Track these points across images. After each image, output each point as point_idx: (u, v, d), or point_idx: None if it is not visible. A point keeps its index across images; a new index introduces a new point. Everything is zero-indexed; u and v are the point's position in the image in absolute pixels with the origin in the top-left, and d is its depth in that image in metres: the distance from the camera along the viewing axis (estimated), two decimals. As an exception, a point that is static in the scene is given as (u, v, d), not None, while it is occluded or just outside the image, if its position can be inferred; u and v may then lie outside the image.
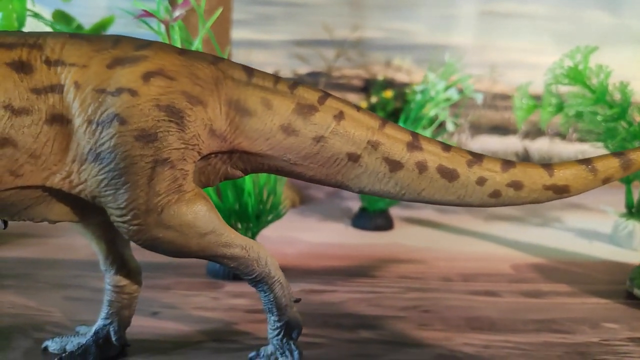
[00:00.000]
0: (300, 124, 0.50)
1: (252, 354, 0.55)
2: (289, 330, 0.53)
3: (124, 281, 0.56)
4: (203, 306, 0.71)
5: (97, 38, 0.49)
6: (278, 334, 0.52)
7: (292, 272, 0.85)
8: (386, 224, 1.13)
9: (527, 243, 1.08)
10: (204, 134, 0.48)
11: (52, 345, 0.57)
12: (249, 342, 0.61)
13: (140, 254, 0.92)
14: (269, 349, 0.54)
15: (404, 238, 1.08)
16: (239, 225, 0.83)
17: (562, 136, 1.75)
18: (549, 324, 0.68)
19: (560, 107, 1.11)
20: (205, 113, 0.48)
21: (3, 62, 0.45)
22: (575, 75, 0.91)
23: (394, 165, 0.51)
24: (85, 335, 0.57)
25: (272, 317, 0.52)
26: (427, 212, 1.31)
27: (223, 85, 0.50)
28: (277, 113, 0.50)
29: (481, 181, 0.53)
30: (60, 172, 0.46)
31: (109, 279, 0.56)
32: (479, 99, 1.11)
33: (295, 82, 0.52)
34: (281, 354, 0.52)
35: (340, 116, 0.51)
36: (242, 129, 0.50)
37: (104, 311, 0.56)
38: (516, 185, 0.54)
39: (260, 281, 0.51)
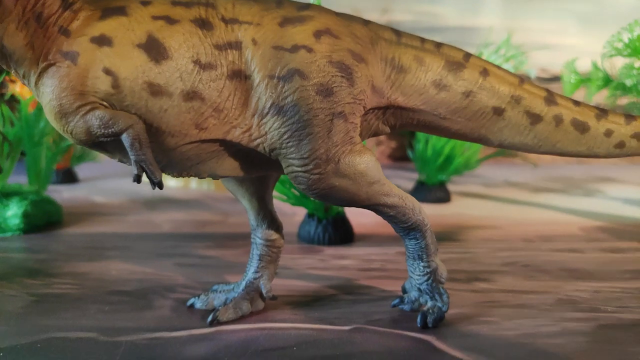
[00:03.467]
0: (451, 80, 0.54)
1: (396, 301, 0.58)
2: (438, 274, 0.56)
3: (274, 235, 0.59)
4: (315, 267, 0.74)
5: (259, -2, 0.52)
6: (428, 279, 0.56)
7: (380, 238, 0.89)
8: (445, 197, 1.17)
9: (582, 210, 1.13)
10: (368, 89, 0.51)
11: (198, 302, 0.60)
12: (378, 294, 0.64)
13: (218, 227, 0.95)
14: (413, 295, 0.57)
15: (466, 209, 1.12)
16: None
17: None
18: (642, 273, 0.73)
19: (606, 81, 1.16)
20: (368, 70, 0.51)
21: (187, 19, 0.48)
22: (636, 47, 0.96)
23: (535, 119, 0.55)
24: (229, 291, 0.60)
25: (422, 264, 0.56)
26: (476, 187, 1.36)
27: (378, 44, 0.53)
28: (429, 69, 0.53)
29: (608, 133, 0.57)
30: (240, 126, 0.49)
31: (261, 234, 0.58)
32: (533, 74, 1.15)
33: (439, 43, 0.56)
34: (431, 297, 0.56)
35: (485, 72, 0.54)
36: (397, 85, 0.53)
37: (253, 265, 0.59)
38: (638, 137, 0.58)
39: (414, 229, 0.54)
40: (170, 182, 1.35)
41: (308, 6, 0.52)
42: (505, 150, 1.32)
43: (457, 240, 0.88)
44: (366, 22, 0.54)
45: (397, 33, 0.55)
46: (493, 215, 1.07)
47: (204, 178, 0.53)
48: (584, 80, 1.21)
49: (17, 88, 1.17)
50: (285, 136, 0.48)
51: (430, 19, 1.74)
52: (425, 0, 1.74)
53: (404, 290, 0.60)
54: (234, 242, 0.87)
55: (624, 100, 1.14)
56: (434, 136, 1.15)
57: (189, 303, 0.60)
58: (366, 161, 0.50)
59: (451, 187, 1.29)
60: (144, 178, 1.38)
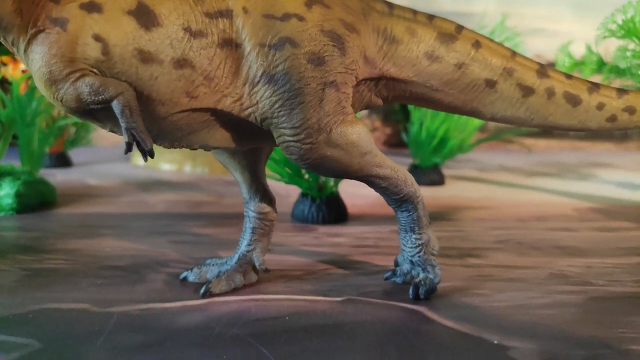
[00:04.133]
0: (443, 51, 0.53)
1: (388, 273, 0.59)
2: (430, 246, 0.56)
3: (267, 208, 0.58)
4: (308, 243, 0.74)
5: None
6: (419, 251, 0.56)
7: (373, 218, 0.89)
8: (439, 179, 1.17)
9: (576, 192, 1.13)
10: (360, 60, 0.51)
11: (191, 275, 0.60)
12: (371, 268, 0.64)
13: (213, 207, 0.95)
14: (405, 267, 0.58)
15: (460, 191, 1.13)
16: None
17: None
18: (634, 250, 0.73)
19: (600, 65, 1.16)
20: (360, 40, 0.51)
21: (177, -12, 0.47)
22: (630, 29, 0.96)
23: (527, 91, 0.55)
24: (223, 264, 0.60)
25: (414, 236, 0.56)
26: (470, 171, 1.36)
27: (370, 15, 0.53)
28: (421, 41, 0.53)
29: (600, 106, 0.57)
30: (231, 95, 0.49)
31: (253, 207, 0.58)
32: (527, 56, 1.15)
33: (431, 15, 0.55)
34: (423, 269, 0.56)
35: (477, 45, 0.54)
36: (390, 56, 0.53)
37: (246, 239, 0.59)
38: (630, 110, 0.58)
39: (406, 200, 0.55)
40: (165, 166, 1.35)
41: (300, -24, 0.52)
42: (500, 134, 1.33)
43: (450, 220, 0.88)
44: (359, -6, 0.54)
45: (389, 5, 0.55)
46: (487, 197, 1.07)
47: (196, 149, 0.53)
48: (578, 63, 1.21)
49: (9, 70, 1.16)
50: (277, 105, 0.48)
51: (425, 4, 1.73)
52: (420, -15, 1.74)
53: (396, 263, 0.60)
54: (228, 220, 0.86)
55: (617, 83, 1.14)
56: (428, 119, 1.15)
57: (181, 276, 0.60)
58: (358, 131, 0.50)
59: (445, 171, 1.29)
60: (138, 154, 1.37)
